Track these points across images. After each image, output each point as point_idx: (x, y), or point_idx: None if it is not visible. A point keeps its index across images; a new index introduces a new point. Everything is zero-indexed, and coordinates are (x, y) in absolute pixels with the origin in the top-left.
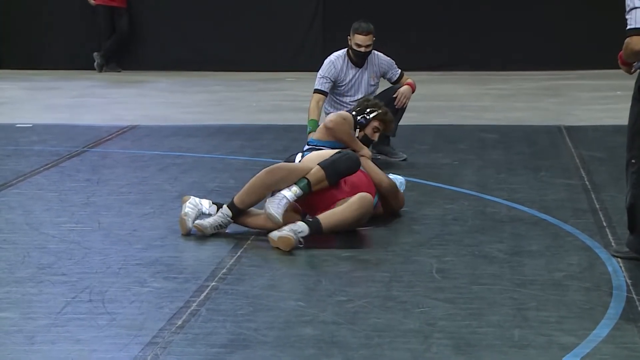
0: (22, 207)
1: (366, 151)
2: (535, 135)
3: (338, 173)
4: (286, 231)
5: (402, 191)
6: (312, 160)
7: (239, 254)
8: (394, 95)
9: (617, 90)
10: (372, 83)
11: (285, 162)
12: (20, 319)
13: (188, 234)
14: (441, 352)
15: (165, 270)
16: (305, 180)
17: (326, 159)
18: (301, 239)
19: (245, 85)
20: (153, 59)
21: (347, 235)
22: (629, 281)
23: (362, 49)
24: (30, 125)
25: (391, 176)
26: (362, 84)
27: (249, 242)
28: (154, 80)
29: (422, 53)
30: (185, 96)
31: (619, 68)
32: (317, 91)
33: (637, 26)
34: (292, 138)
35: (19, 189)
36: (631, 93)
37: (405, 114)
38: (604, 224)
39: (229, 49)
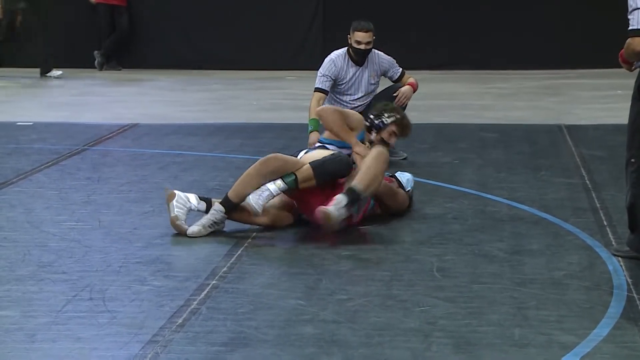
0: (22, 205)
1: (361, 148)
2: (536, 134)
3: (327, 173)
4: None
5: (409, 189)
6: (312, 157)
7: (239, 252)
8: (394, 94)
9: (617, 89)
10: (372, 82)
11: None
12: (21, 317)
13: (184, 234)
14: (441, 351)
15: (166, 268)
16: (293, 176)
17: (318, 159)
18: (343, 211)
19: (245, 83)
20: (153, 57)
21: (348, 234)
22: (629, 280)
23: (362, 46)
24: (31, 123)
25: (398, 174)
26: (363, 83)
27: (249, 240)
28: (154, 78)
29: (422, 53)
30: (185, 95)
31: (619, 67)
32: (317, 90)
33: (639, 27)
34: (292, 137)
35: (19, 187)
36: (631, 92)
37: (405, 113)
38: (605, 223)
39: (229, 47)
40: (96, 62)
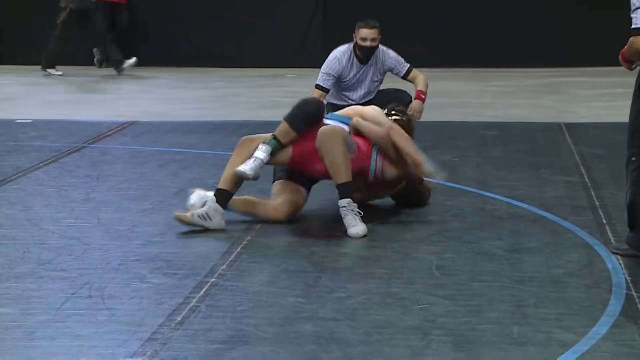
0: (21, 202)
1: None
2: (535, 132)
3: (300, 119)
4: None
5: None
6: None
7: (238, 250)
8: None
9: (617, 87)
10: (375, 79)
11: None
12: (20, 314)
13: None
14: (440, 349)
15: (165, 266)
16: (272, 136)
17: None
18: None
19: (246, 81)
20: (153, 55)
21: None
22: (628, 278)
23: (368, 43)
24: (30, 120)
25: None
26: (366, 81)
27: (248, 238)
28: (154, 76)
29: (422, 51)
30: (185, 92)
31: (619, 65)
32: (318, 87)
33: None
34: None
35: (18, 184)
36: (631, 90)
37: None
38: (604, 221)
39: (230, 45)
40: (95, 59)
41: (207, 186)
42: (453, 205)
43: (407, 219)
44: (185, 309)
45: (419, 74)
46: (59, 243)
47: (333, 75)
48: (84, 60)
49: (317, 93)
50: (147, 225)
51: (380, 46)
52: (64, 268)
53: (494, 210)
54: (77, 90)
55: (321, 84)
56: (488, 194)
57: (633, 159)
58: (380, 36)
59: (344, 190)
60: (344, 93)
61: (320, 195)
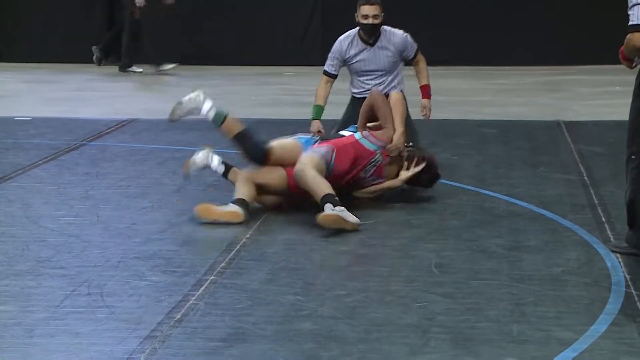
0: (21, 200)
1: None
2: (535, 130)
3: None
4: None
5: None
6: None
7: (237, 248)
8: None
9: (616, 85)
10: (390, 55)
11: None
12: (19, 312)
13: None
14: (439, 347)
15: (164, 264)
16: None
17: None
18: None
19: (245, 79)
20: (152, 52)
21: (346, 230)
22: (627, 277)
23: (370, 20)
24: (30, 118)
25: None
26: (378, 62)
27: (247, 236)
28: (153, 73)
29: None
30: (184, 90)
31: (618, 63)
32: (324, 73)
33: (639, 22)
34: (292, 132)
35: (18, 182)
36: (631, 88)
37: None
38: (603, 219)
39: (229, 43)
40: (95, 57)
41: (207, 184)
42: (452, 203)
43: (406, 217)
44: (185, 306)
45: (421, 58)
46: (58, 240)
47: (336, 58)
48: (83, 58)
49: (323, 79)
50: (147, 223)
51: (386, 26)
52: (63, 265)
53: (493, 209)
54: (77, 88)
55: (326, 69)
56: (487, 192)
57: (633, 157)
58: (382, 14)
59: (323, 202)
60: (359, 79)
61: None
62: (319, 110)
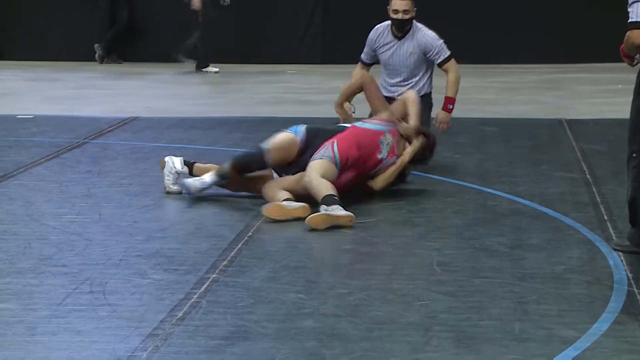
0: (22, 198)
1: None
2: (537, 128)
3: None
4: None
5: None
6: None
7: (239, 246)
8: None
9: (618, 83)
10: (411, 51)
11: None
12: (21, 310)
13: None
14: (441, 345)
15: (166, 262)
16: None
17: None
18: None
19: (246, 77)
20: (154, 50)
21: (348, 227)
22: (629, 275)
23: (400, 15)
24: (31, 116)
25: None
26: (400, 55)
27: (249, 234)
28: (155, 72)
29: None
30: (186, 88)
31: (620, 61)
32: (360, 60)
33: (638, 19)
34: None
35: (19, 180)
36: (632, 87)
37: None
38: (605, 217)
39: (230, 41)
40: (97, 55)
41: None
42: (454, 202)
43: (408, 215)
44: (187, 304)
45: (452, 68)
46: (60, 239)
47: (368, 45)
48: (85, 56)
49: (358, 66)
50: (149, 221)
51: (419, 24)
52: (65, 264)
53: (495, 207)
54: (78, 86)
55: (361, 56)
56: (489, 190)
57: (634, 155)
58: (414, 9)
59: (323, 201)
60: (385, 80)
61: None
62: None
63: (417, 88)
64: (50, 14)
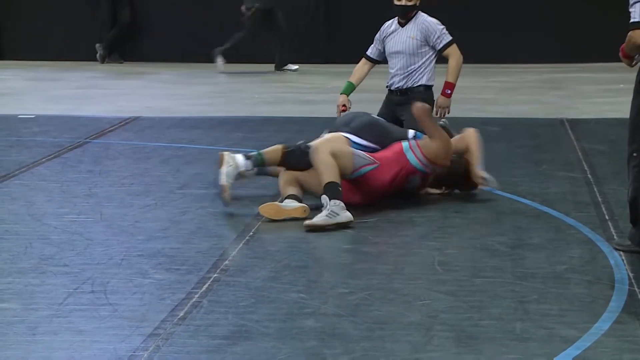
0: (24, 198)
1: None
2: (538, 128)
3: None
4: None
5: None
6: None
7: (240, 245)
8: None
9: (619, 83)
10: (411, 35)
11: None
12: (23, 309)
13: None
14: (442, 345)
15: (167, 261)
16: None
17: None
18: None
19: (248, 77)
20: (155, 50)
21: (349, 227)
22: (630, 274)
23: (403, 2)
24: (33, 116)
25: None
26: (400, 40)
27: (250, 234)
28: (157, 71)
29: None
30: (187, 88)
31: (621, 61)
32: (365, 55)
33: None
34: (294, 130)
35: (21, 179)
36: (633, 86)
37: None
38: (606, 217)
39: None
40: (98, 55)
41: (209, 182)
42: (455, 201)
43: (409, 215)
44: (188, 304)
45: (454, 54)
46: (61, 238)
47: (377, 39)
48: (87, 55)
49: (362, 60)
50: (150, 220)
51: (423, 13)
52: (66, 263)
53: (496, 206)
54: (80, 85)
55: (367, 51)
56: (490, 189)
57: (634, 155)
58: None
59: (325, 189)
60: (390, 67)
61: None
62: (348, 86)
63: (414, 77)
64: (51, 13)
